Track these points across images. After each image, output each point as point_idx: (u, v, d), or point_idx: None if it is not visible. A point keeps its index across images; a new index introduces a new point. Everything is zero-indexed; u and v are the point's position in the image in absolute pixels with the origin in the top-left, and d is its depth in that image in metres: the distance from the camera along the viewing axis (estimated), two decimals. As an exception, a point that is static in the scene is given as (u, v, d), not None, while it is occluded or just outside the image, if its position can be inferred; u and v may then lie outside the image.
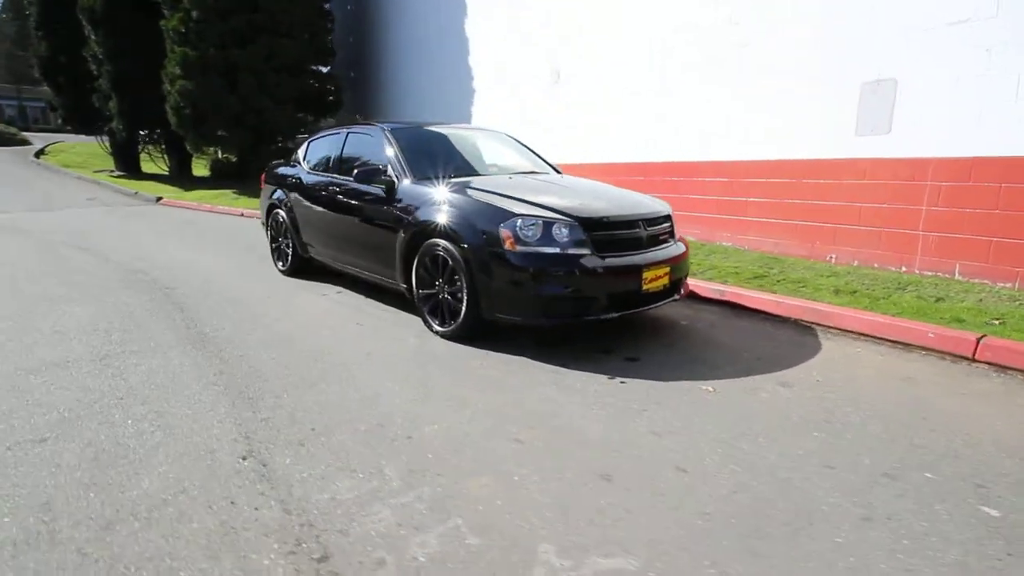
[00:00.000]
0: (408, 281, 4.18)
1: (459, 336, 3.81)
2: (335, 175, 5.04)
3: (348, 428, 2.64)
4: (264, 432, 2.60)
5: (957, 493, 2.16)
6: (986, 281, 4.69)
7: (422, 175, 4.28)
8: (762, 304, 4.54)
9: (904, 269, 5.20)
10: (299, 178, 5.58)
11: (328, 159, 5.30)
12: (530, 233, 3.46)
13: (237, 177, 16.78)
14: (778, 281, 5.14)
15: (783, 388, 3.11)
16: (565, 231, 3.48)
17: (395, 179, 4.29)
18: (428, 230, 3.90)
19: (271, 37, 13.11)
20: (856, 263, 5.54)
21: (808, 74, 5.72)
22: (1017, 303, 4.21)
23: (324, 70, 14.93)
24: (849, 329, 4.04)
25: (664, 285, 3.76)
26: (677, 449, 2.47)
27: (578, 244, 3.49)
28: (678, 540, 1.89)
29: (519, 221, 3.47)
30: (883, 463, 2.36)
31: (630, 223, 3.68)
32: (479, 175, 4.52)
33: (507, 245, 3.45)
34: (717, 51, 6.56)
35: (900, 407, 2.89)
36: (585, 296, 3.46)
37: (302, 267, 5.79)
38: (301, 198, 5.49)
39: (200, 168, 18.10)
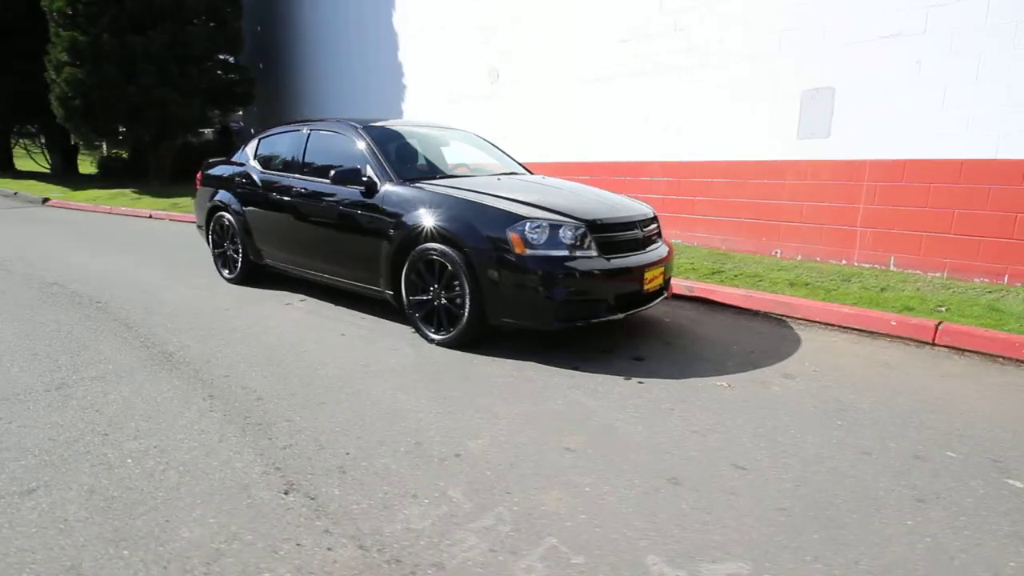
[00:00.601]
0: (395, 288, 3.98)
1: (458, 343, 3.68)
2: (297, 175, 4.70)
3: (387, 450, 2.47)
4: (294, 461, 2.37)
5: (981, 469, 2.37)
6: (918, 271, 5.22)
7: (405, 177, 4.09)
8: (732, 299, 4.77)
9: (844, 262, 5.67)
10: (250, 178, 5.15)
11: (287, 158, 4.92)
12: (538, 236, 3.40)
13: (132, 175, 15.30)
14: (735, 276, 5.42)
15: (788, 380, 3.28)
16: (570, 233, 3.46)
17: (376, 181, 4.07)
18: (421, 234, 3.73)
19: (174, 23, 12.03)
20: (800, 257, 5.97)
21: (753, 81, 6.08)
22: (951, 291, 4.71)
23: (233, 60, 13.92)
24: (816, 320, 4.35)
25: (659, 285, 3.86)
26: (724, 447, 2.53)
27: (585, 246, 3.48)
28: (770, 538, 1.93)
29: (527, 224, 3.41)
30: (908, 446, 2.55)
31: (629, 224, 3.73)
32: (461, 176, 4.40)
33: (516, 248, 3.37)
34: (663, 57, 6.81)
35: (896, 392, 3.14)
36: (594, 298, 3.47)
37: (253, 274, 5.37)
38: (254, 200, 5.07)
39: (87, 166, 16.29)
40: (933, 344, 3.85)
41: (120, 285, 5.26)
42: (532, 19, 8.34)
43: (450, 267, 3.61)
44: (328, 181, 4.39)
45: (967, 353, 3.71)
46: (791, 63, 5.80)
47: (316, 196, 4.47)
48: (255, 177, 5.10)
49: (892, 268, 5.37)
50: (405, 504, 2.09)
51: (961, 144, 4.89)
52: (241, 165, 5.36)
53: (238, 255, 5.34)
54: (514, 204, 3.60)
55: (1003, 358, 3.59)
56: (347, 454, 2.43)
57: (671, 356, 3.63)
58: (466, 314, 3.59)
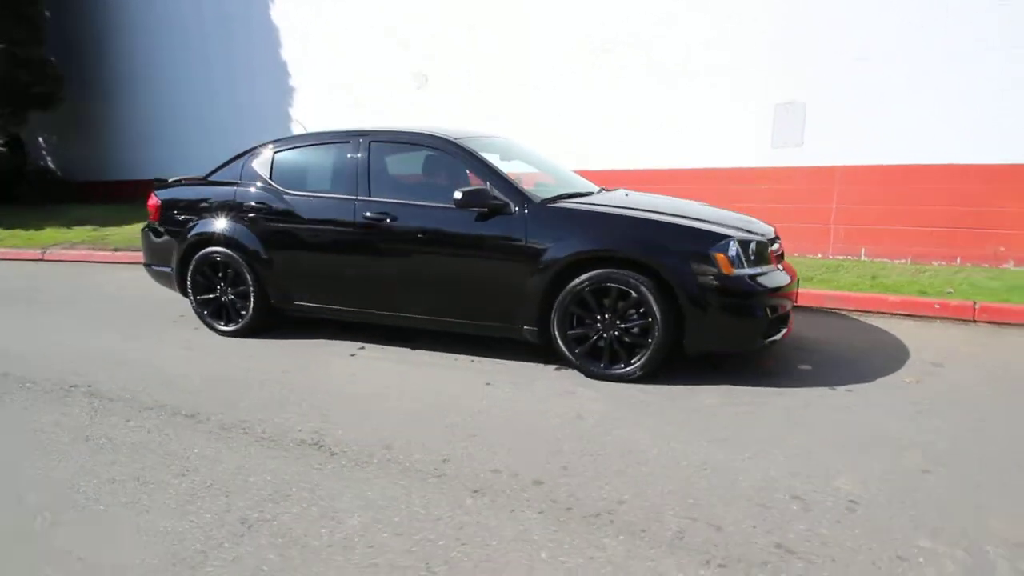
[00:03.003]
0: (543, 323, 3.51)
1: (638, 378, 3.37)
2: (363, 199, 3.84)
3: (773, 515, 2.17)
4: (690, 556, 1.95)
5: None
6: (886, 259, 6.16)
7: (541, 196, 3.61)
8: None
9: (820, 255, 6.45)
10: (270, 202, 4.09)
11: (335, 178, 4.00)
12: (739, 255, 3.27)
13: None
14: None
15: (941, 368, 3.62)
16: (754, 249, 3.39)
17: (507, 202, 3.52)
18: (588, 261, 3.35)
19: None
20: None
21: (729, 95, 6.59)
22: (928, 274, 5.65)
23: (35, 54, 10.86)
24: (868, 310, 4.89)
25: (793, 297, 3.98)
26: (996, 441, 2.72)
27: (767, 263, 3.44)
28: None
29: (731, 243, 3.25)
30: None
31: (774, 241, 3.77)
32: (587, 194, 4.01)
33: (723, 269, 3.20)
34: (636, 70, 7.04)
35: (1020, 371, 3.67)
36: (780, 315, 3.43)
37: (266, 322, 4.30)
38: (280, 230, 4.06)
39: None
40: (974, 321, 4.60)
41: (112, 366, 3.85)
42: (487, 24, 7.98)
43: (634, 294, 3.29)
44: (421, 204, 3.73)
45: (1004, 326, 4.50)
46: (766, 78, 6.41)
47: (403, 223, 3.74)
48: (282, 201, 4.06)
49: (863, 258, 6.27)
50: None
51: (915, 151, 5.89)
52: (240, 185, 4.23)
53: (247, 300, 4.21)
54: (700, 223, 3.42)
55: None
56: (754, 527, 2.09)
57: (828, 363, 3.74)
58: (653, 343, 3.30)
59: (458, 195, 3.45)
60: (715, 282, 3.21)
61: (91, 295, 5.97)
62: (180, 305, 5.11)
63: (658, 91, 6.99)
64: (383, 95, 8.82)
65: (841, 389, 3.31)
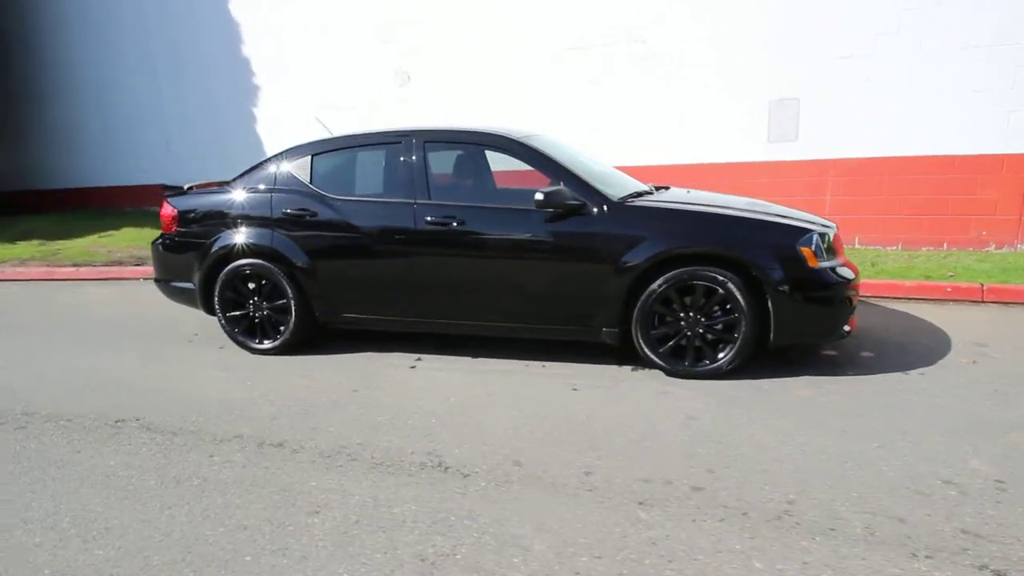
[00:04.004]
0: (624, 324, 3.45)
1: (723, 373, 3.38)
2: (421, 202, 3.63)
3: (941, 506, 2.21)
4: (892, 551, 1.96)
5: None
6: (879, 247, 6.51)
7: (617, 195, 3.53)
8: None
9: (816, 245, 6.74)
10: (313, 210, 3.79)
11: (389, 181, 3.76)
12: (818, 247, 3.33)
13: None
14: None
15: (986, 348, 3.83)
16: (828, 242, 3.47)
17: (584, 202, 3.43)
18: (674, 259, 3.31)
19: None
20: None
21: (727, 92, 6.75)
22: (921, 259, 6.01)
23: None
24: (886, 295, 5.13)
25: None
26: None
27: (837, 255, 3.52)
28: None
29: (814, 236, 3.30)
30: None
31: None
32: (652, 191, 3.97)
33: (809, 263, 3.25)
34: (623, 64, 7.09)
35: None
36: (853, 306, 3.52)
37: (308, 337, 4.01)
38: (330, 238, 3.80)
39: None
40: (983, 301, 4.93)
41: (145, 392, 3.44)
42: (467, 20, 7.79)
43: (720, 290, 3.28)
44: (490, 206, 3.61)
45: (1011, 305, 4.85)
46: (760, 76, 6.62)
47: (472, 227, 3.57)
48: (328, 207, 3.78)
49: (858, 246, 6.59)
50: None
51: (903, 144, 6.25)
52: (276, 192, 3.91)
53: (287, 315, 3.91)
54: (781, 218, 3.46)
55: None
56: (929, 516, 2.12)
57: (883, 349, 3.86)
58: (740, 338, 3.31)
59: (539, 196, 3.33)
60: (801, 275, 3.26)
61: (73, 315, 5.38)
62: (188, 322, 4.74)
63: (655, 89, 7.07)
64: (364, 92, 8.47)
65: (914, 373, 3.45)
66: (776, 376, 3.43)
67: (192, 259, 4.07)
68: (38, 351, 4.31)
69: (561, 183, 3.48)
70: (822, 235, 3.41)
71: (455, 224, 3.57)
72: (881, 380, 3.36)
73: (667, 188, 4.07)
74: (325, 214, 3.79)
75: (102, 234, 8.75)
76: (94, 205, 11.05)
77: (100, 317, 5.26)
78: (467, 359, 3.88)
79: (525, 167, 3.77)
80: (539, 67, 7.58)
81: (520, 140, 3.66)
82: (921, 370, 3.49)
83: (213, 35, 9.49)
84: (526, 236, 3.52)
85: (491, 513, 2.20)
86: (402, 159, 3.75)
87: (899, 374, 3.44)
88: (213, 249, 3.97)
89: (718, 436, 2.76)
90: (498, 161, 4.21)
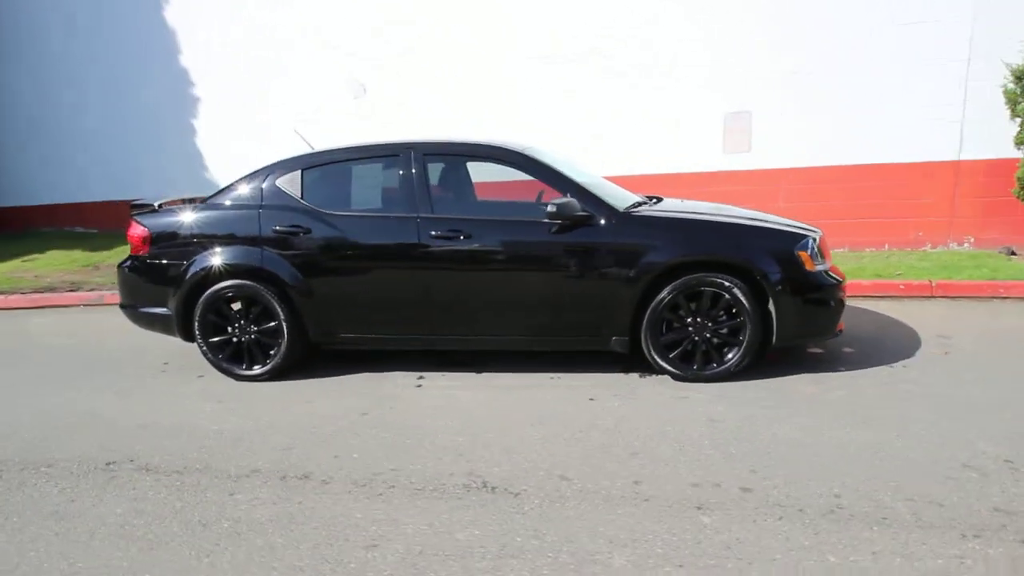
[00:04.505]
0: (633, 332, 3.49)
1: (731, 375, 3.48)
2: (425, 216, 3.53)
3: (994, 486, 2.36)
4: (951, 533, 2.08)
5: None
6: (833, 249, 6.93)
7: (621, 206, 3.57)
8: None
9: (772, 249, 7.10)
10: (307, 227, 3.61)
11: (389, 194, 3.64)
12: (813, 251, 3.50)
13: None
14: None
15: (951, 340, 4.13)
16: (819, 246, 3.65)
17: (592, 213, 3.45)
18: (683, 266, 3.40)
19: None
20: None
21: (685, 105, 7.03)
22: (867, 259, 6.46)
23: None
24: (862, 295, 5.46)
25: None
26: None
27: (824, 259, 3.71)
28: None
29: (810, 241, 3.47)
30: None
31: None
32: (650, 201, 4.05)
33: (806, 266, 3.41)
34: (593, 83, 7.26)
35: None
36: (844, 305, 3.71)
37: (293, 363, 3.80)
38: (326, 256, 3.64)
39: None
40: (932, 296, 5.35)
41: (129, 429, 3.12)
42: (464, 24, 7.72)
43: (727, 295, 3.39)
44: (497, 219, 3.59)
45: (956, 299, 5.28)
46: (715, 90, 6.94)
47: (479, 240, 3.52)
48: (323, 223, 3.61)
49: (809, 249, 7.01)
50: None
51: (845, 154, 6.72)
52: (265, 208, 3.69)
53: (277, 338, 3.70)
54: (777, 224, 3.61)
55: (997, 298, 5.21)
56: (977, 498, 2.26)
57: (861, 344, 4.11)
58: (746, 341, 3.43)
59: (552, 208, 3.33)
60: (800, 279, 3.42)
61: (19, 348, 4.87)
62: (153, 350, 4.45)
63: (623, 104, 7.27)
64: (327, 101, 8.20)
65: (898, 366, 3.69)
66: (777, 376, 3.56)
67: (166, 282, 3.77)
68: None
69: (568, 194, 3.50)
70: (814, 239, 3.61)
71: (461, 238, 3.51)
72: (874, 374, 3.56)
73: (660, 199, 4.18)
74: (320, 231, 3.62)
75: (24, 258, 7.98)
76: (10, 228, 10.07)
77: (51, 348, 4.77)
78: (471, 375, 3.80)
79: (514, 179, 3.78)
80: (524, 75, 7.63)
81: (524, 152, 3.66)
82: (904, 363, 3.73)
83: (145, 44, 8.93)
84: (535, 248, 3.50)
85: (557, 531, 2.15)
86: (401, 172, 3.64)
87: (886, 367, 3.67)
88: (193, 271, 3.69)
89: (747, 436, 2.83)
90: (481, 173, 4.18)
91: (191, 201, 3.95)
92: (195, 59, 8.80)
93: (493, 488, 2.46)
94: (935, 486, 2.35)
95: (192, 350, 4.41)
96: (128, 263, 3.91)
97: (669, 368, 3.52)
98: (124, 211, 9.87)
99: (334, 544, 2.11)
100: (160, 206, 3.93)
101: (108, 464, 2.78)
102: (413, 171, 3.63)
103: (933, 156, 6.46)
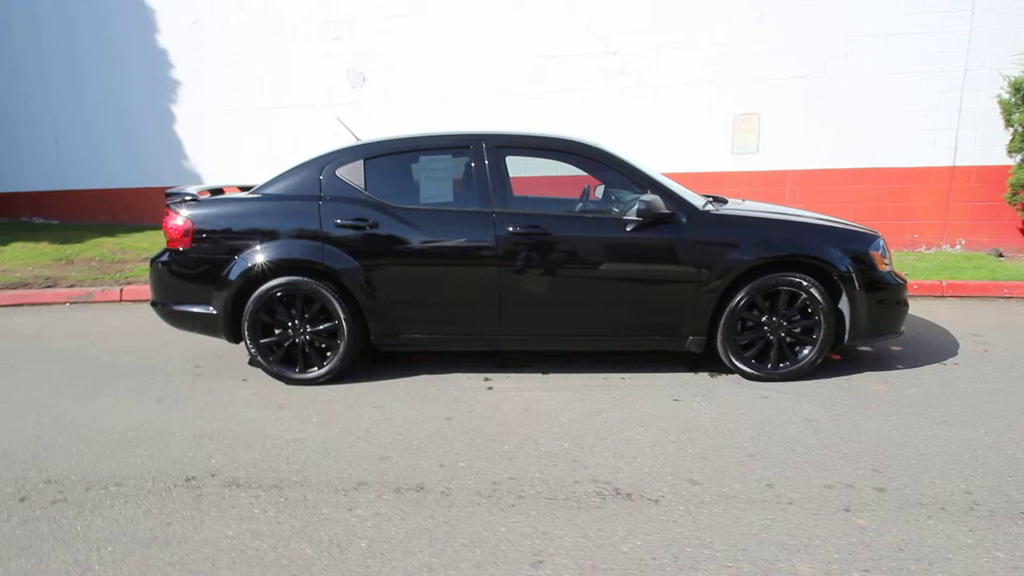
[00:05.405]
0: (710, 332, 3.46)
1: (796, 376, 3.51)
2: (500, 211, 3.39)
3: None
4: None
5: None
6: (830, 249, 7.17)
7: (699, 204, 3.53)
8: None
9: (775, 249, 7.28)
10: (374, 221, 3.39)
11: (460, 188, 3.46)
12: (883, 252, 3.57)
13: None
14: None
15: (982, 337, 4.34)
16: (884, 248, 3.72)
17: (674, 211, 3.39)
18: (764, 266, 3.40)
19: None
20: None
21: (695, 108, 7.09)
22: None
23: None
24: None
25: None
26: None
27: (889, 260, 3.79)
28: None
29: (880, 241, 3.53)
30: None
31: None
32: (718, 200, 4.03)
33: (879, 266, 3.48)
34: (597, 77, 7.23)
35: None
36: (908, 305, 3.78)
37: (351, 365, 3.59)
38: (398, 251, 3.44)
39: None
40: (943, 296, 5.60)
41: (197, 439, 2.83)
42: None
43: (803, 295, 3.41)
44: (577, 215, 3.51)
45: (965, 298, 5.55)
46: (723, 94, 7.04)
47: (558, 237, 3.40)
48: (391, 217, 3.40)
49: (811, 249, 7.23)
50: None
51: (847, 158, 6.96)
52: (326, 200, 3.44)
53: (336, 339, 3.47)
54: (850, 225, 3.65)
55: (1002, 298, 5.50)
56: (1090, 492, 2.33)
57: (904, 344, 4.25)
58: (819, 340, 3.46)
59: (643, 206, 3.26)
60: (873, 278, 3.49)
61: (22, 349, 4.35)
62: (170, 351, 4.22)
63: (637, 106, 7.28)
64: (317, 89, 7.82)
65: (950, 363, 3.82)
66: (842, 375, 3.63)
67: (211, 278, 3.47)
68: (8, 398, 3.43)
69: (649, 191, 3.44)
70: (883, 240, 3.68)
71: (540, 234, 3.39)
72: (932, 372, 3.68)
73: (724, 199, 4.17)
74: (388, 225, 3.41)
75: (-17, 251, 7.24)
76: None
77: (51, 351, 4.30)
78: (538, 376, 3.69)
79: (555, 174, 3.68)
80: (512, 75, 7.50)
81: (602, 148, 3.56)
82: (953, 360, 3.88)
83: (120, 20, 8.28)
84: (616, 245, 3.42)
85: (723, 538, 2.08)
86: (473, 164, 3.48)
87: (939, 365, 3.80)
88: (244, 266, 3.41)
89: (849, 435, 2.85)
90: (517, 168, 4.07)
91: (239, 191, 3.65)
92: (174, 39, 8.23)
93: (628, 495, 2.37)
94: (1054, 480, 2.43)
95: (222, 352, 4.15)
96: (165, 257, 3.57)
97: (742, 367, 3.52)
98: (89, 201, 9.18)
99: (498, 562, 1.97)
100: (202, 195, 3.61)
101: (188, 480, 2.52)
102: (486, 163, 3.48)
103: (930, 162, 6.78)
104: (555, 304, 3.48)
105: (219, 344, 4.18)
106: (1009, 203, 6.39)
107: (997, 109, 6.26)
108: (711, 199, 4.10)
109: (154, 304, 3.69)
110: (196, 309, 3.55)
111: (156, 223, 8.55)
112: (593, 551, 2.02)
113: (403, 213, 3.45)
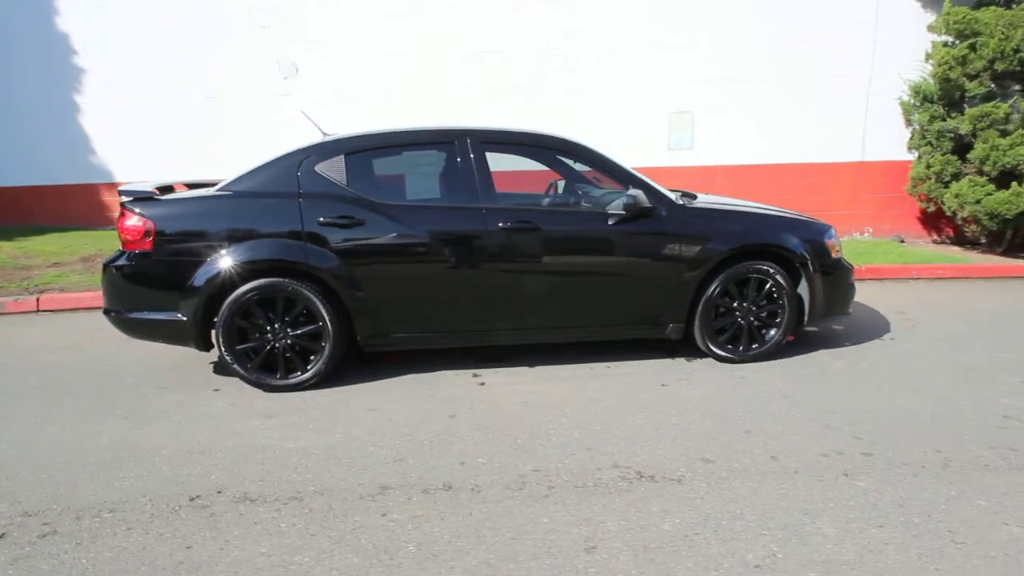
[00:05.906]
0: (688, 319, 3.64)
1: (764, 356, 3.78)
2: (488, 207, 3.37)
3: None
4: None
5: (1055, 326, 4.54)
6: (758, 239, 7.70)
7: (675, 196, 3.68)
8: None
9: (710, 240, 7.73)
10: (358, 218, 3.27)
11: (447, 183, 3.39)
12: (835, 240, 3.90)
13: None
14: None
15: (907, 315, 4.86)
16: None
17: (654, 205, 3.52)
18: (738, 255, 3.63)
19: None
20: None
21: (632, 105, 7.36)
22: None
23: None
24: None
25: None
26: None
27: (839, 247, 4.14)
28: None
29: (832, 230, 3.85)
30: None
31: None
32: (687, 194, 4.21)
33: (832, 253, 3.81)
34: (542, 81, 7.33)
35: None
36: (855, 289, 4.16)
37: (334, 368, 3.47)
38: (385, 248, 3.36)
39: None
40: (862, 279, 6.17)
41: (193, 460, 2.60)
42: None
43: (770, 281, 3.67)
44: (564, 210, 3.64)
45: (883, 280, 6.16)
46: (663, 92, 7.37)
47: (548, 232, 3.45)
48: (376, 213, 3.29)
49: (741, 239, 7.74)
50: None
51: (771, 154, 7.52)
52: (305, 196, 3.26)
53: (320, 341, 3.33)
54: (803, 216, 3.94)
55: (912, 279, 6.15)
56: (1032, 443, 2.69)
57: (845, 324, 4.62)
58: (783, 323, 3.75)
59: (629, 200, 3.37)
60: (828, 264, 3.82)
61: None
62: (120, 362, 3.87)
63: (576, 102, 7.44)
64: (244, 81, 7.36)
65: (887, 339, 4.27)
66: (801, 354, 3.94)
67: (178, 283, 3.21)
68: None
69: (630, 186, 3.56)
70: (834, 230, 4.04)
71: (530, 228, 3.41)
72: (875, 347, 4.09)
73: (694, 194, 4.36)
74: (374, 223, 3.30)
75: None
76: None
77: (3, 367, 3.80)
78: (525, 368, 3.73)
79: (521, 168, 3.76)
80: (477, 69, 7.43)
81: (584, 144, 3.64)
82: (890, 335, 4.33)
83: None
84: (602, 239, 3.52)
85: (750, 509, 2.22)
86: (459, 160, 3.44)
87: (878, 341, 4.23)
88: (217, 269, 3.18)
89: (825, 408, 3.11)
90: (499, 161, 4.10)
91: (202, 186, 3.39)
92: (79, 23, 7.43)
93: (652, 477, 2.47)
94: (997, 435, 2.79)
95: (178, 361, 3.87)
96: (120, 260, 3.25)
97: (717, 351, 3.74)
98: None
99: (553, 552, 1.99)
100: (160, 192, 3.32)
101: (193, 499, 2.33)
102: (472, 158, 3.45)
103: (840, 157, 7.47)
104: (547, 298, 3.53)
105: (173, 353, 3.87)
106: (910, 194, 7.18)
107: (899, 110, 7.01)
108: (680, 194, 4.32)
109: (107, 312, 3.35)
110: (160, 316, 3.27)
111: (57, 224, 7.74)
112: (639, 532, 2.10)
113: (391, 210, 3.35)
